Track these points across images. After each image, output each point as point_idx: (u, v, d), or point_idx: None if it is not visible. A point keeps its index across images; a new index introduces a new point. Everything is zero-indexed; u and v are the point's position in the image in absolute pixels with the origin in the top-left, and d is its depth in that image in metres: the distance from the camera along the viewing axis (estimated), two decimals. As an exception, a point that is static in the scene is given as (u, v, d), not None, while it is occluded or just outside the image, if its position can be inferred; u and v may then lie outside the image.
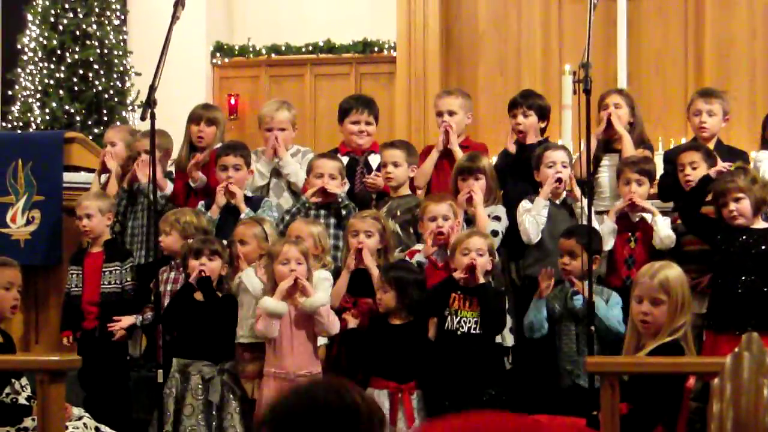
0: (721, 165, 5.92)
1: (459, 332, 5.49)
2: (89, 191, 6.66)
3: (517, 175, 6.45)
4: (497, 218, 6.00)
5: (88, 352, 5.88)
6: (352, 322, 5.65)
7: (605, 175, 6.44)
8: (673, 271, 4.46)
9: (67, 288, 6.34)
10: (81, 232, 6.40)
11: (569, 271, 5.57)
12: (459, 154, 6.39)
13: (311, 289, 5.42)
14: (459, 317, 5.50)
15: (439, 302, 5.54)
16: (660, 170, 6.44)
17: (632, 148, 6.35)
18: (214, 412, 5.52)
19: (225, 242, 5.91)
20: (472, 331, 5.49)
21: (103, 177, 6.84)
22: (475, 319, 5.48)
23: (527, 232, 5.96)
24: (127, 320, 6.12)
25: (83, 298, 6.26)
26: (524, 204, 6.06)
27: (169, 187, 6.67)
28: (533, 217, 5.95)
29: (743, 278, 5.49)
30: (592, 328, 5.27)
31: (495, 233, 5.90)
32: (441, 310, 5.54)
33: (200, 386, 5.52)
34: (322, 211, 6.24)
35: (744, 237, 5.57)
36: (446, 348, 5.49)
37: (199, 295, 5.67)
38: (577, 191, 6.03)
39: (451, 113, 6.63)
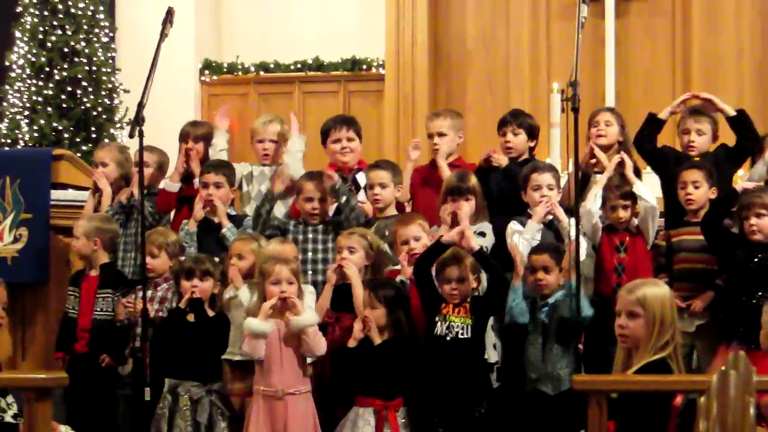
0: (751, 182, 5.94)
1: (448, 338, 5.48)
2: (84, 211, 6.64)
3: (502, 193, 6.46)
4: (482, 234, 5.97)
5: (78, 374, 5.82)
6: (359, 333, 5.53)
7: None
8: (654, 288, 4.45)
9: (66, 308, 6.29)
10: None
11: (544, 286, 5.60)
12: (446, 173, 6.39)
13: (301, 308, 5.41)
14: (448, 322, 5.49)
15: (433, 301, 5.55)
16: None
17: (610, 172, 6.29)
18: (202, 433, 5.49)
19: (216, 259, 5.90)
20: (460, 336, 5.48)
21: (97, 196, 6.82)
22: (463, 324, 5.48)
23: (521, 255, 5.95)
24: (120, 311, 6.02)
25: (78, 322, 6.19)
26: (513, 225, 6.04)
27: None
28: (527, 241, 5.94)
29: (761, 294, 5.50)
30: (580, 346, 5.29)
31: (480, 250, 5.89)
32: (433, 314, 5.54)
33: (188, 407, 5.48)
34: (320, 227, 6.25)
35: (764, 253, 5.59)
36: (435, 354, 5.48)
37: (190, 317, 5.65)
38: (561, 215, 5.98)
39: (440, 135, 6.67)
